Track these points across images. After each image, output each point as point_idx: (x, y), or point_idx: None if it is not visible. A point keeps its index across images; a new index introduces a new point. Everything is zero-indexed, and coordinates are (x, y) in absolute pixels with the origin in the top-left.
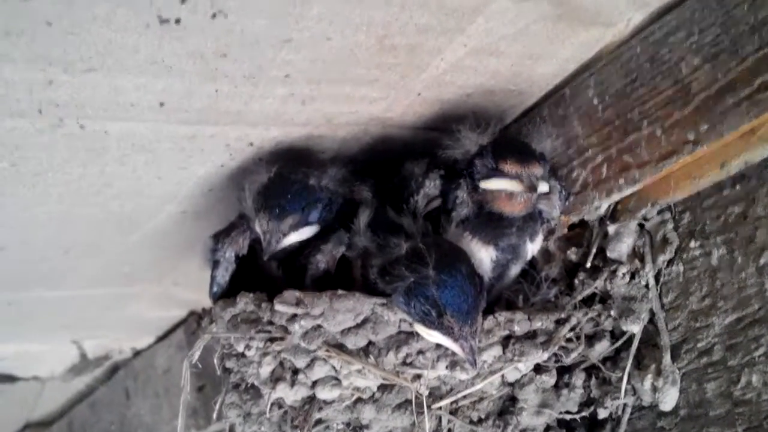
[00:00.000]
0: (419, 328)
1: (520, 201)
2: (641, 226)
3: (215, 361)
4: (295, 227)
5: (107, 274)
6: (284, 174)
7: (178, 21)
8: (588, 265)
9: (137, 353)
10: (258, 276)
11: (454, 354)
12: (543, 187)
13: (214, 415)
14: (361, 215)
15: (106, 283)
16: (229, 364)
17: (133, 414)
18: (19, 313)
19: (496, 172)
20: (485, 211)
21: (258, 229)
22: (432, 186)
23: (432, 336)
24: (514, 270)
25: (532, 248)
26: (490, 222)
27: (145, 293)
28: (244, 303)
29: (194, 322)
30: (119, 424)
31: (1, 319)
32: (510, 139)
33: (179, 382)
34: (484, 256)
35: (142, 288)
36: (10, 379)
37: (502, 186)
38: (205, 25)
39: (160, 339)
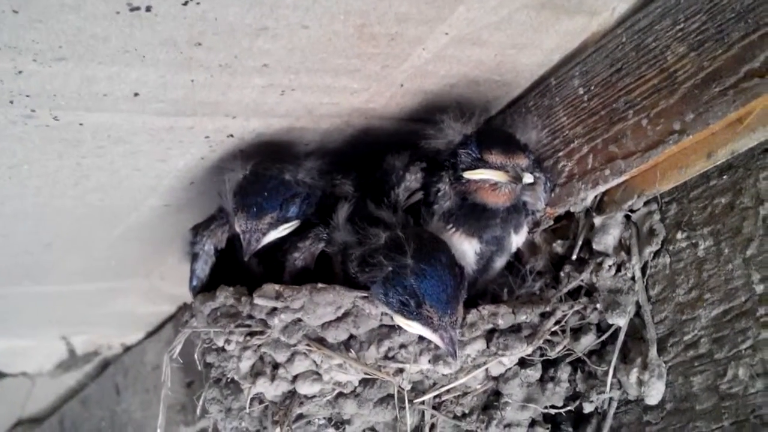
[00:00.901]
0: (398, 319)
1: (504, 192)
2: (627, 217)
3: (196, 356)
4: (274, 225)
5: (93, 268)
6: (259, 171)
7: (148, 8)
8: (574, 257)
9: (127, 349)
10: (238, 269)
11: (436, 348)
12: (527, 178)
13: (198, 411)
14: (339, 210)
15: (93, 278)
16: (209, 358)
17: (123, 410)
18: (6, 308)
19: (480, 162)
20: (468, 202)
21: (237, 229)
22: (413, 179)
23: (411, 327)
24: (499, 263)
25: (517, 240)
26: (473, 214)
27: (133, 288)
28: (224, 297)
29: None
30: (110, 420)
31: None
32: (495, 130)
33: (170, 375)
34: (467, 248)
35: (130, 283)
36: None
37: (487, 176)
38: (177, 12)
39: (150, 334)
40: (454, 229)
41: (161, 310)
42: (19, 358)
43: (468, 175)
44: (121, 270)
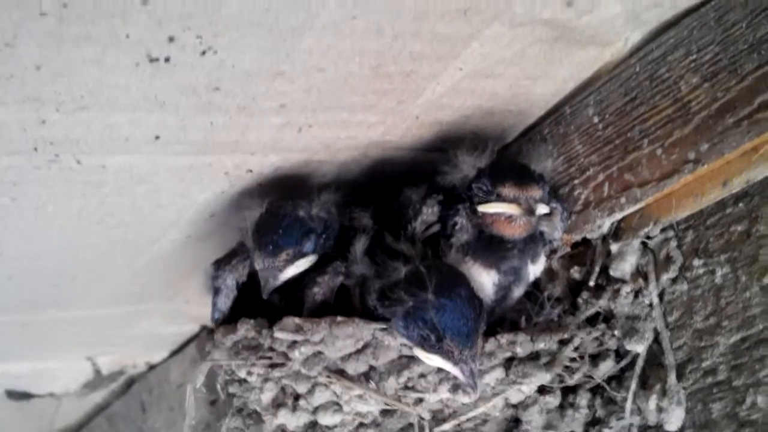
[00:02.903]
0: (419, 353)
1: (519, 224)
2: (644, 244)
3: (218, 386)
4: (290, 261)
5: (117, 295)
6: (273, 210)
7: (167, 59)
8: (591, 283)
9: (152, 367)
10: (260, 303)
11: (455, 377)
12: (542, 209)
13: None
14: (357, 243)
15: (117, 304)
16: (232, 389)
17: (149, 427)
18: (33, 333)
19: (493, 196)
20: (485, 234)
21: (256, 267)
22: (430, 213)
23: (432, 360)
24: (517, 293)
25: (534, 270)
26: (490, 246)
27: (157, 311)
28: (245, 329)
29: (206, 337)
30: None
31: (16, 340)
32: (508, 162)
33: (193, 404)
34: (485, 280)
35: (154, 306)
36: (26, 396)
37: (500, 209)
38: (195, 61)
39: (174, 353)
40: (472, 261)
41: (185, 330)
42: (46, 379)
43: (482, 208)
44: (145, 295)
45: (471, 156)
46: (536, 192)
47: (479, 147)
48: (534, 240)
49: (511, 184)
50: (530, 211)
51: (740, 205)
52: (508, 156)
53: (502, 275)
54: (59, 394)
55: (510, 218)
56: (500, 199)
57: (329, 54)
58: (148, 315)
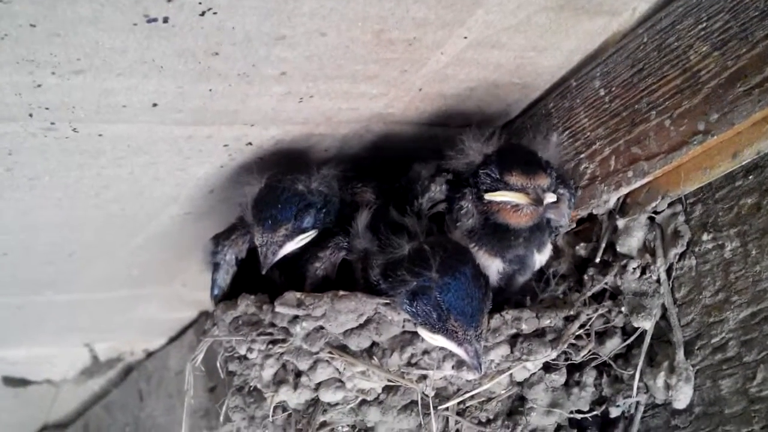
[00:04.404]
0: (422, 332)
1: (526, 213)
2: (651, 219)
3: (218, 364)
4: (289, 236)
5: (115, 276)
6: (272, 184)
7: (166, 20)
8: (597, 260)
9: (150, 354)
10: (260, 279)
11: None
12: (549, 198)
13: (221, 419)
14: (359, 217)
15: (115, 286)
16: (232, 367)
17: (146, 415)
18: (29, 317)
19: (500, 184)
20: (491, 222)
21: (256, 242)
22: (438, 190)
23: (435, 340)
24: (521, 279)
25: (540, 259)
26: (496, 234)
27: (155, 295)
28: (245, 305)
29: (205, 323)
30: (134, 426)
31: (12, 323)
32: (515, 148)
33: (192, 383)
34: (491, 267)
35: (152, 290)
36: (23, 382)
37: (507, 198)
38: (194, 23)
39: (172, 340)
40: (477, 248)
41: (183, 316)
42: (43, 365)
43: (489, 197)
44: (143, 278)
45: (478, 142)
46: (544, 181)
47: (486, 133)
48: (540, 228)
49: (518, 173)
50: (538, 201)
51: (750, 177)
52: (516, 142)
53: (507, 263)
54: (56, 381)
55: (516, 207)
56: (507, 187)
57: (331, 17)
58: (146, 300)
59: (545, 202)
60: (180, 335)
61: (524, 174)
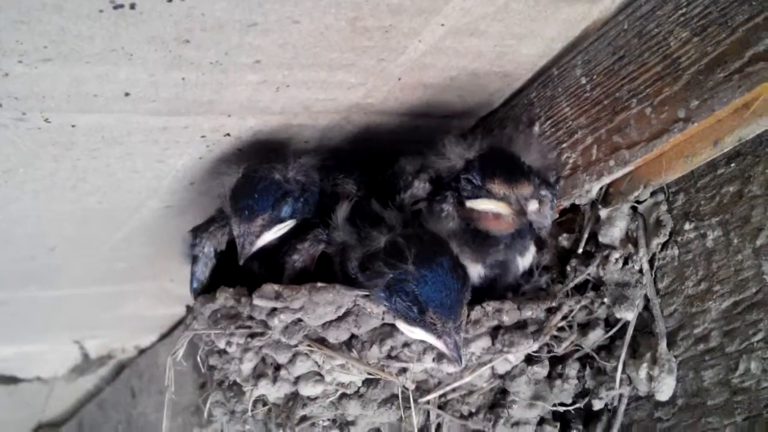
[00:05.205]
0: (401, 325)
1: (507, 221)
2: (634, 209)
3: (198, 358)
4: (267, 226)
5: (99, 271)
6: (249, 174)
7: (132, 6)
8: (580, 251)
9: (141, 352)
10: (240, 272)
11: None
12: (533, 205)
13: (205, 415)
14: (339, 210)
15: (100, 282)
16: (212, 361)
17: (139, 413)
18: (15, 314)
19: (482, 191)
20: (471, 227)
21: (234, 233)
22: (420, 188)
23: (414, 333)
24: (504, 283)
25: (523, 263)
26: (476, 239)
27: (142, 291)
28: (224, 298)
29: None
30: (126, 423)
31: None
32: (497, 154)
33: (183, 380)
34: (471, 271)
35: (138, 286)
36: (12, 380)
37: (489, 207)
38: (162, 9)
39: (163, 337)
40: (458, 251)
41: (173, 312)
42: (33, 362)
43: (471, 204)
44: (128, 273)
45: (459, 146)
46: (527, 189)
47: (468, 137)
48: (522, 234)
49: (501, 181)
50: (521, 212)
51: (732, 165)
52: (497, 145)
53: (488, 269)
54: (47, 378)
55: (498, 215)
56: (490, 195)
57: (303, 4)
58: (133, 296)
59: (528, 210)
60: (170, 332)
61: (506, 182)
